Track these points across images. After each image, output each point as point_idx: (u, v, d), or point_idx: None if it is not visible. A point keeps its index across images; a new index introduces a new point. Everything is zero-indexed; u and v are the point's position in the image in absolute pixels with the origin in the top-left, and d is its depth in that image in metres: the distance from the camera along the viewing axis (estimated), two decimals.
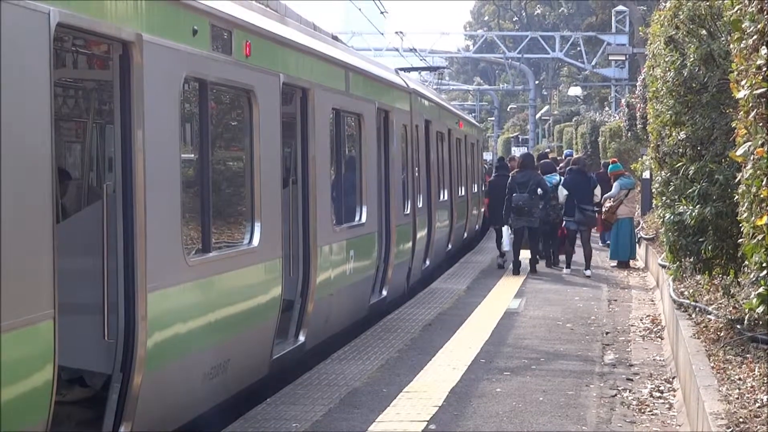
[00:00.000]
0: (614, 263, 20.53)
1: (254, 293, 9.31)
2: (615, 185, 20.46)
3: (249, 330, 9.17)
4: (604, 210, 20.50)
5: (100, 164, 9.38)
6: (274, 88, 9.78)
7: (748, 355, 8.61)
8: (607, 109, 46.75)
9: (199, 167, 8.39)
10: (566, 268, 19.36)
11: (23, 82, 5.68)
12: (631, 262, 20.54)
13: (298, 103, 10.85)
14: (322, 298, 11.18)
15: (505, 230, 19.41)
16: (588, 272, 18.86)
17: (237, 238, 9.32)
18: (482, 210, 30.10)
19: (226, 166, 9.60)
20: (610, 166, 21.72)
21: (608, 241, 21.62)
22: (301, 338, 10.71)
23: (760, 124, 6.07)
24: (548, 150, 42.36)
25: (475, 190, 27.98)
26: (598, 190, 19.60)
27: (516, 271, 18.70)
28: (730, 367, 8.25)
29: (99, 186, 8.44)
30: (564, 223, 19.26)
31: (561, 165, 23.60)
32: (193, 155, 8.45)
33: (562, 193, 18.98)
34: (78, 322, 6.96)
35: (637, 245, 20.71)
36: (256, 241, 9.22)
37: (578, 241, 19.69)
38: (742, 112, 6.54)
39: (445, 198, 21.10)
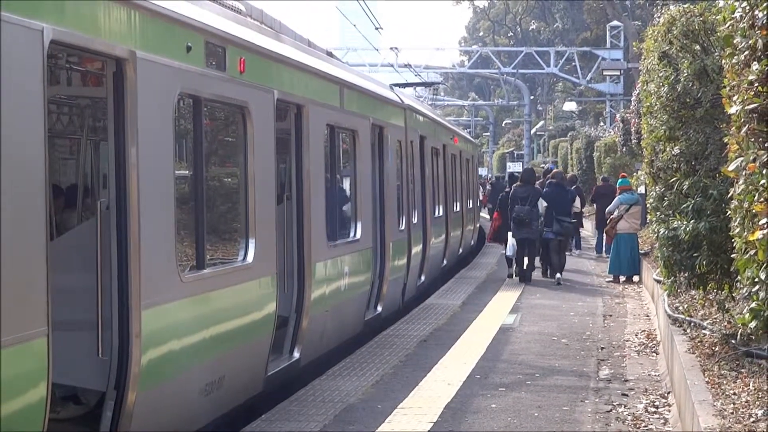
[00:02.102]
0: (610, 278, 20.53)
1: (249, 310, 9.30)
2: (615, 200, 20.64)
3: (243, 346, 9.16)
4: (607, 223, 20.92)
5: (94, 181, 9.37)
6: (269, 105, 9.79)
7: (742, 370, 8.61)
8: (602, 124, 46.89)
9: (193, 184, 8.39)
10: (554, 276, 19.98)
11: (16, 98, 5.68)
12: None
13: (293, 120, 10.86)
14: (317, 315, 11.17)
15: (510, 238, 19.77)
16: (557, 278, 19.78)
17: (231, 254, 9.32)
18: (478, 225, 30.11)
19: (220, 183, 9.60)
20: (618, 181, 21.94)
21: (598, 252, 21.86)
22: (296, 354, 10.70)
23: (752, 140, 6.09)
24: (543, 165, 42.48)
25: (471, 205, 27.98)
26: (578, 202, 20.24)
27: (527, 279, 19.68)
28: (724, 382, 8.24)
29: (93, 203, 8.43)
30: (544, 233, 19.83)
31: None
32: (187, 172, 8.45)
33: (542, 204, 19.57)
34: (72, 339, 6.94)
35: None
36: (250, 258, 9.22)
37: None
38: (734, 128, 6.56)
39: (441, 213, 21.12)
